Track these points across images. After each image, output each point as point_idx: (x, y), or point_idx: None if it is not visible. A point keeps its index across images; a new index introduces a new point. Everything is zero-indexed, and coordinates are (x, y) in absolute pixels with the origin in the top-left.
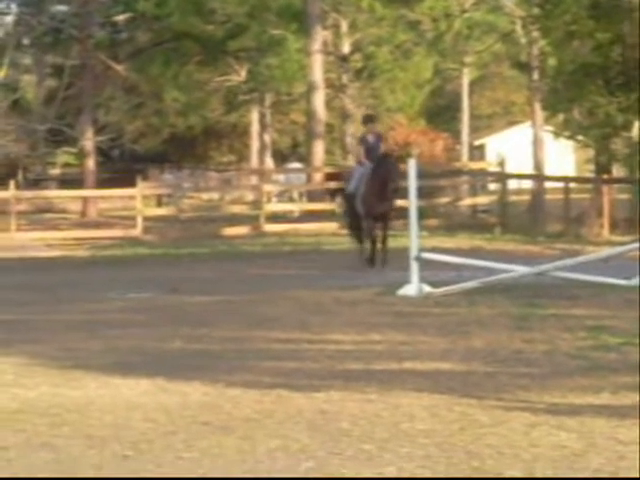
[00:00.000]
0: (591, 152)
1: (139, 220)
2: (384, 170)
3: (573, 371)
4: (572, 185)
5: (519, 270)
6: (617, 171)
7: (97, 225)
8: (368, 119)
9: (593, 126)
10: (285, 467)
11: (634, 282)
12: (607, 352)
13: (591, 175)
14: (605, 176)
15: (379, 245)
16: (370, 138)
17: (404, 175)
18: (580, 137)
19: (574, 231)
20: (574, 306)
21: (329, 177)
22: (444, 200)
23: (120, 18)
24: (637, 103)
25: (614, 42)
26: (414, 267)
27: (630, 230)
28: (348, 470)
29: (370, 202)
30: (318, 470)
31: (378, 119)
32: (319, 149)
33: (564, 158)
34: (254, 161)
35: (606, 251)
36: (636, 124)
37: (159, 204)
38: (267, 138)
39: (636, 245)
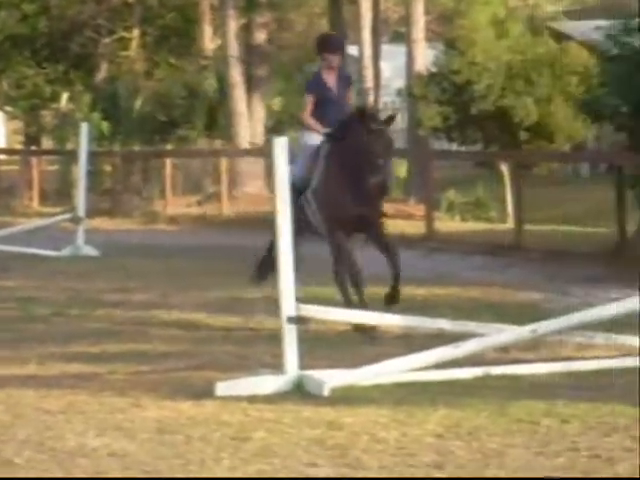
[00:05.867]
0: (20, 123)
1: None
2: (360, 141)
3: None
4: (1, 157)
5: None
6: (46, 142)
7: None
8: (326, 42)
9: (21, 97)
10: None
11: (64, 253)
12: (34, 323)
13: (20, 146)
14: (34, 147)
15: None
16: (328, 78)
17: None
18: (9, 108)
19: (4, 203)
20: (5, 278)
21: None
22: None
23: None
24: (64, 75)
25: (40, 13)
26: None
27: (60, 201)
28: None
29: (336, 201)
30: None
31: (344, 44)
32: None
33: None
34: None
35: (36, 222)
36: (64, 95)
37: None
38: None
39: (65, 216)
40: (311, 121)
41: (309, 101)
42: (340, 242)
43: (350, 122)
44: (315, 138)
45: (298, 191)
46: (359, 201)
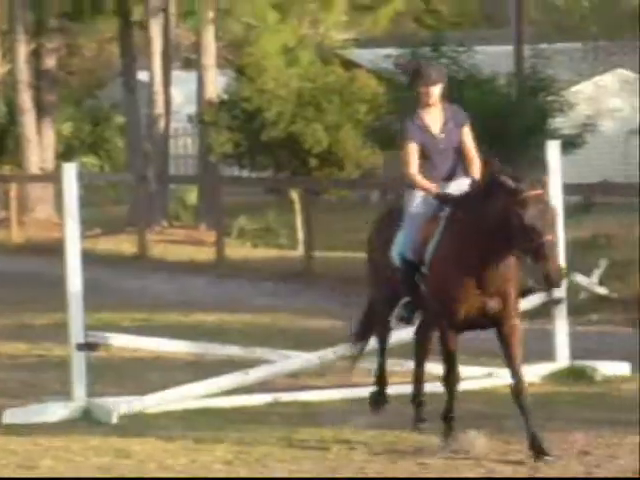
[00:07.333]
0: None
1: None
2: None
3: None
4: None
5: None
6: None
7: None
8: (418, 74)
9: None
10: None
11: None
12: None
13: None
14: None
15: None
16: (428, 118)
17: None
18: None
19: None
20: None
21: None
22: None
23: None
24: None
25: None
26: None
27: None
28: None
29: (455, 288)
30: None
31: (444, 73)
32: None
33: None
34: None
35: None
36: None
37: None
38: None
39: None
40: (420, 180)
41: (411, 151)
42: (451, 348)
43: (491, 188)
44: (424, 199)
45: (410, 265)
46: (491, 290)
